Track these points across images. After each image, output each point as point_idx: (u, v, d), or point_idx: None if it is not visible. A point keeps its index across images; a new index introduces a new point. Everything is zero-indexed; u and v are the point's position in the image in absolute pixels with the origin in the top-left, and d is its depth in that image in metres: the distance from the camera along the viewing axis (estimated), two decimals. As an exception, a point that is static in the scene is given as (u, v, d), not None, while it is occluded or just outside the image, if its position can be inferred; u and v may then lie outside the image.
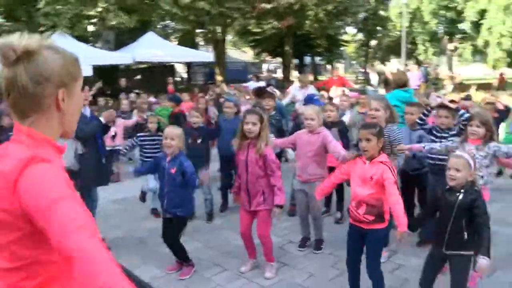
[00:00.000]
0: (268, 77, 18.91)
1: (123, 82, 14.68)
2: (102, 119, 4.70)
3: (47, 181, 1.15)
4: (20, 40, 1.20)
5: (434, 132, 4.42)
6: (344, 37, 39.38)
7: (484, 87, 17.95)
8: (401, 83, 5.81)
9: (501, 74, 22.57)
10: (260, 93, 7.56)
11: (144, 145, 5.89)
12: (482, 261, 2.80)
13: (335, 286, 3.89)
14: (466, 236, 3.00)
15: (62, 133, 1.35)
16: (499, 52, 16.50)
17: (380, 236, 3.33)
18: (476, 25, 16.96)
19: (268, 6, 17.93)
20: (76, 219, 1.10)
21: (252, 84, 12.66)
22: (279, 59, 36.68)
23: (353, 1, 22.30)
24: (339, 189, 5.32)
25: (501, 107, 7.18)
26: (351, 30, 39.61)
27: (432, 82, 19.23)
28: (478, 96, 11.18)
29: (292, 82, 20.15)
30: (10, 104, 1.26)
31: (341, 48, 41.40)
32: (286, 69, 29.68)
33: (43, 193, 1.13)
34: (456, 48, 21.55)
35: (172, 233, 4.20)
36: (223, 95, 8.08)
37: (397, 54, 40.94)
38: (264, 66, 63.45)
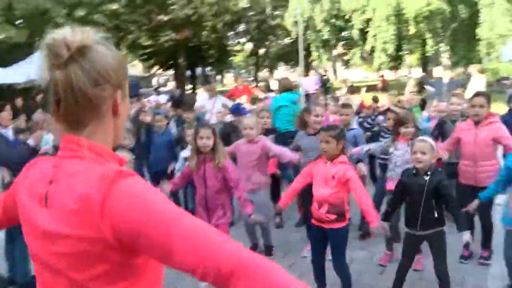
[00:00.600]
0: (171, 91, 18.45)
1: (19, 102, 13.05)
2: (30, 142, 4.17)
3: (148, 196, 0.94)
4: (74, 34, 0.98)
5: (382, 133, 4.74)
6: (234, 47, 40.55)
7: (369, 89, 19.63)
8: (289, 87, 6.99)
9: (382, 76, 24.84)
10: (178, 105, 7.52)
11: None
12: (465, 236, 3.11)
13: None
14: (436, 215, 3.27)
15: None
16: (384, 57, 18.09)
17: (342, 233, 3.42)
18: (363, 33, 18.38)
19: (165, 18, 17.56)
20: (209, 230, 0.93)
21: (157, 98, 12.49)
22: (170, 72, 36.51)
23: (248, 10, 22.96)
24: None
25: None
26: (242, 39, 40.95)
27: (327, 86, 20.47)
28: (367, 97, 12.13)
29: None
30: (60, 113, 1.00)
31: (230, 58, 42.61)
32: (180, 81, 29.51)
33: (150, 209, 0.91)
34: (344, 54, 23.23)
35: None
36: (144, 110, 7.67)
37: (286, 62, 43.48)
38: (154, 80, 62.52)
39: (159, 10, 17.78)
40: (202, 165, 3.86)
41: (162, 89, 18.46)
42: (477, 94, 4.10)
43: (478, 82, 9.96)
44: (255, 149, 4.47)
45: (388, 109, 4.76)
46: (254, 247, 4.69)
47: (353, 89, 19.42)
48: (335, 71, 36.05)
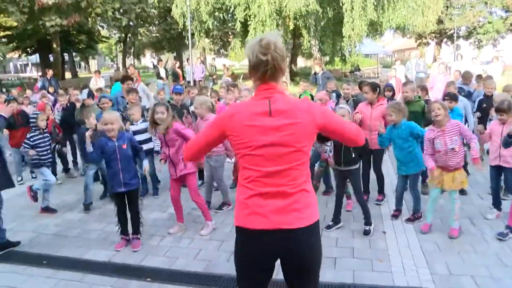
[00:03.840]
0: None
1: None
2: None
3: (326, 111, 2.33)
4: (273, 37, 2.09)
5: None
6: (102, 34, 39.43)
7: (246, 76, 21.55)
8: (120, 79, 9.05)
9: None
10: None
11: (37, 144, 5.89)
12: None
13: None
14: (353, 155, 4.81)
15: None
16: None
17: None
18: (245, 25, 20.01)
19: (50, 1, 16.74)
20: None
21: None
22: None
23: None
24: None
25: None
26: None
27: (210, 74, 21.78)
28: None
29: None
30: (267, 76, 2.09)
31: (97, 45, 41.32)
32: (56, 67, 27.95)
33: (329, 114, 2.29)
34: (229, 43, 24.73)
35: (136, 203, 4.63)
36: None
37: (157, 50, 43.76)
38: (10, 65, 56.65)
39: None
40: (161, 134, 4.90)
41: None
42: (365, 84, 5.90)
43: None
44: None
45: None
46: (208, 203, 5.76)
47: (234, 76, 21.11)
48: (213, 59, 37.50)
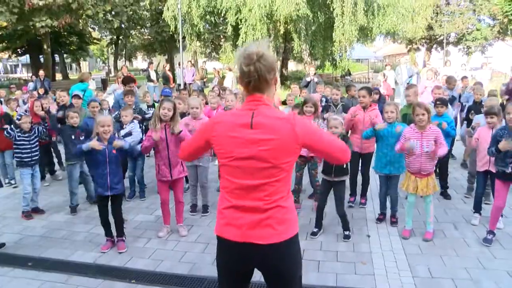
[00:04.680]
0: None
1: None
2: None
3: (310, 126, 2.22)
4: (257, 47, 2.03)
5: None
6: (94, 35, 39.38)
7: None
8: (83, 79, 9.38)
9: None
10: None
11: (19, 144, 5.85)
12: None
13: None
14: (345, 166, 4.82)
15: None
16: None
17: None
18: (236, 29, 20.09)
19: (41, 2, 16.64)
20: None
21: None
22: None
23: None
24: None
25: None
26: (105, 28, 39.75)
27: (201, 77, 21.78)
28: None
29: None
30: (251, 87, 2.08)
31: (88, 47, 41.20)
32: (46, 68, 27.77)
33: (313, 130, 2.18)
34: (220, 46, 24.78)
35: (119, 208, 4.65)
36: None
37: (149, 52, 43.75)
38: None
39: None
40: (163, 130, 4.84)
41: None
42: (361, 88, 5.92)
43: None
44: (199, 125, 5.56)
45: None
46: (195, 206, 5.88)
47: (223, 81, 21.16)
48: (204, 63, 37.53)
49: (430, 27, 34.06)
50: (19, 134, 5.82)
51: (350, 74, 31.24)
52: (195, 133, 2.42)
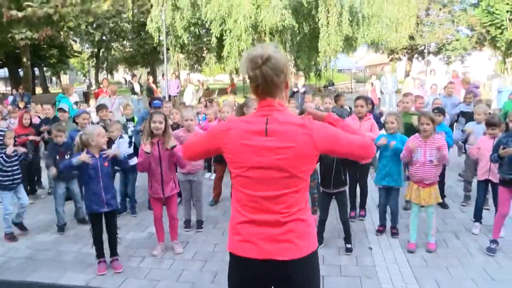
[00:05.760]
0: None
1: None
2: None
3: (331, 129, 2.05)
4: (263, 50, 1.90)
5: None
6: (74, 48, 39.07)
7: (220, 92, 21.56)
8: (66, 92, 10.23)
9: (232, 80, 27.13)
10: None
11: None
12: None
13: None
14: (343, 177, 4.68)
15: None
16: (239, 62, 20.01)
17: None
18: (220, 40, 20.03)
19: (20, 14, 16.26)
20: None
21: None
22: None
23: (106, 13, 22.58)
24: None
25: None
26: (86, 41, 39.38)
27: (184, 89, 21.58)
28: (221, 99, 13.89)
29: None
30: (260, 91, 1.95)
31: (69, 60, 40.80)
32: (26, 82, 27.20)
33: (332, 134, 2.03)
34: (203, 58, 24.71)
35: (115, 225, 4.41)
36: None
37: (131, 64, 43.44)
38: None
39: (11, 4, 16.24)
40: (156, 146, 4.59)
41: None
42: (358, 98, 5.84)
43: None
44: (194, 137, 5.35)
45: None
46: (189, 222, 5.64)
47: (209, 92, 21.05)
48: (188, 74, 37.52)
49: (411, 37, 34.58)
50: (2, 157, 5.27)
51: (333, 84, 31.46)
52: (205, 135, 2.23)
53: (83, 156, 4.21)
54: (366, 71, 49.65)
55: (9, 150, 5.25)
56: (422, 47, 36.77)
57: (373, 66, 52.28)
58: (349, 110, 8.18)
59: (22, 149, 5.41)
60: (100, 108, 7.09)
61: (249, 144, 1.93)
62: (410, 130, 5.66)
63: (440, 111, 6.15)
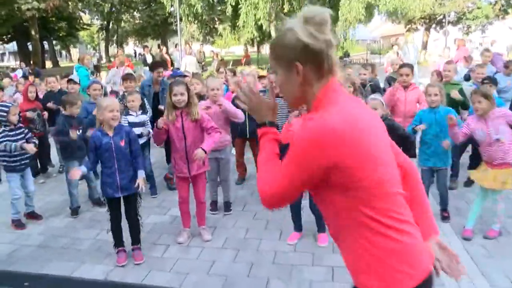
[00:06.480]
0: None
1: None
2: None
3: None
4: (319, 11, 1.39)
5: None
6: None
7: (235, 63, 20.82)
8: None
9: (246, 51, 26.26)
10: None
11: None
12: None
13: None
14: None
15: None
16: (256, 32, 19.22)
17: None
18: (236, 9, 19.14)
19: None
20: None
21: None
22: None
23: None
24: None
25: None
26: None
27: (199, 61, 20.89)
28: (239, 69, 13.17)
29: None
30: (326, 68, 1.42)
31: (78, 33, 40.18)
32: (35, 56, 26.78)
33: None
34: (215, 30, 23.84)
35: (135, 210, 3.90)
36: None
37: (142, 37, 42.59)
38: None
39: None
40: (179, 119, 4.06)
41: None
42: (403, 65, 5.20)
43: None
44: (219, 110, 4.78)
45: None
46: (215, 203, 5.12)
47: (224, 63, 20.32)
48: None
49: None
50: (5, 132, 4.74)
51: (349, 55, 30.36)
52: (294, 162, 1.36)
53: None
54: (380, 42, 48.12)
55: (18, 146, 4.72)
56: (441, 17, 35.39)
57: (387, 37, 50.73)
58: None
59: (29, 146, 4.77)
60: (126, 78, 6.34)
61: (377, 143, 1.42)
62: (454, 101, 5.08)
63: (493, 81, 5.47)
